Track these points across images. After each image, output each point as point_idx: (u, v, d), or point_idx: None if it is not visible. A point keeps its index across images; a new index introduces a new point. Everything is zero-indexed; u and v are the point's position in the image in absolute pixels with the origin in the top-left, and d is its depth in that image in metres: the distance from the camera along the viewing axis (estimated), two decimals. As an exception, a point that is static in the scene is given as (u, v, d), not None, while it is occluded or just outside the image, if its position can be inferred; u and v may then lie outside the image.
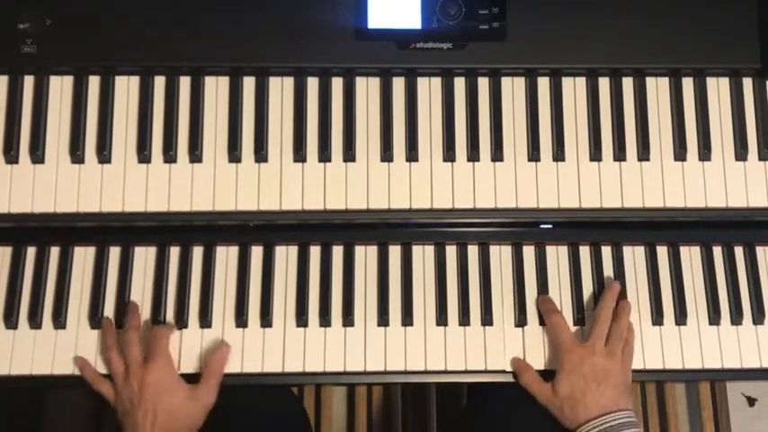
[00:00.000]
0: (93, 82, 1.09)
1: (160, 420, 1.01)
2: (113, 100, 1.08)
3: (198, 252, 1.14)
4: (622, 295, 1.14)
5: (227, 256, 1.14)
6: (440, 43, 1.08)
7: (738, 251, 1.18)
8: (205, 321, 1.11)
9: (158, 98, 1.09)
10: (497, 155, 1.08)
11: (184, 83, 1.09)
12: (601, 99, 1.11)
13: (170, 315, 1.11)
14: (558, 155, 1.09)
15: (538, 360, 1.11)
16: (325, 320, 1.11)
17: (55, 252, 1.14)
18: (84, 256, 1.14)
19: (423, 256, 1.15)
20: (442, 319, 1.12)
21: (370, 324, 1.12)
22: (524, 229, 1.16)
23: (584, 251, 1.17)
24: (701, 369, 1.13)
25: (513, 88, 1.11)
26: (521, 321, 1.12)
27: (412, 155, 1.08)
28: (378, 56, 1.08)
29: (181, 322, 1.11)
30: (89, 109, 1.08)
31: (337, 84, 1.10)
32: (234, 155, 1.07)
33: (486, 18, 1.08)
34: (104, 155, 1.06)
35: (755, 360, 1.13)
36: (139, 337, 1.06)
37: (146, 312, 1.12)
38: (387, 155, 1.08)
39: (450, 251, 1.16)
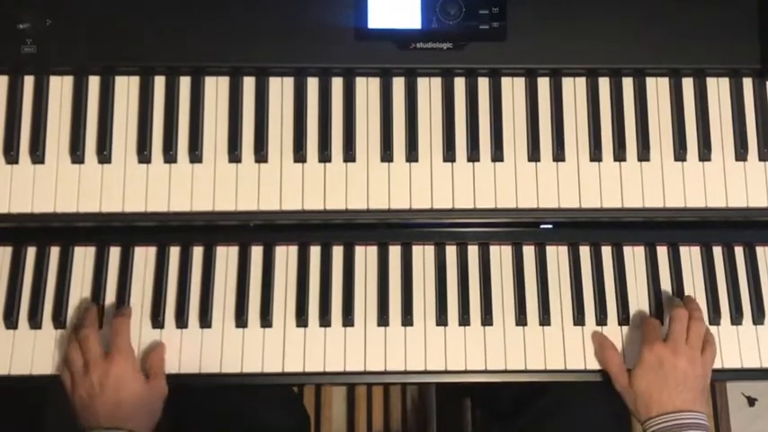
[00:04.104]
0: (93, 82, 1.08)
1: (123, 410, 1.01)
2: (113, 100, 1.08)
3: (198, 252, 1.14)
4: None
5: (227, 256, 1.14)
6: (440, 43, 1.08)
7: (738, 251, 1.18)
8: (205, 321, 1.11)
9: (158, 98, 1.09)
10: (497, 155, 1.08)
11: (184, 83, 1.09)
12: (601, 99, 1.11)
13: (170, 315, 1.11)
14: (558, 155, 1.09)
15: (538, 360, 1.11)
16: (325, 320, 1.11)
17: (55, 252, 1.14)
18: (84, 256, 1.14)
19: (423, 256, 1.15)
20: (442, 319, 1.12)
21: (370, 324, 1.12)
22: (524, 229, 1.16)
23: (584, 251, 1.17)
24: (702, 369, 1.13)
25: (513, 88, 1.11)
26: (521, 321, 1.12)
27: (412, 155, 1.08)
28: (378, 56, 1.08)
29: (181, 322, 1.11)
30: (89, 109, 1.08)
31: (337, 84, 1.10)
32: (234, 155, 1.07)
33: (486, 18, 1.08)
34: (104, 155, 1.06)
35: (755, 360, 1.13)
36: (97, 332, 1.06)
37: (146, 312, 1.12)
38: (387, 155, 1.07)
39: (450, 251, 1.16)
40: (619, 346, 1.11)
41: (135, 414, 1.02)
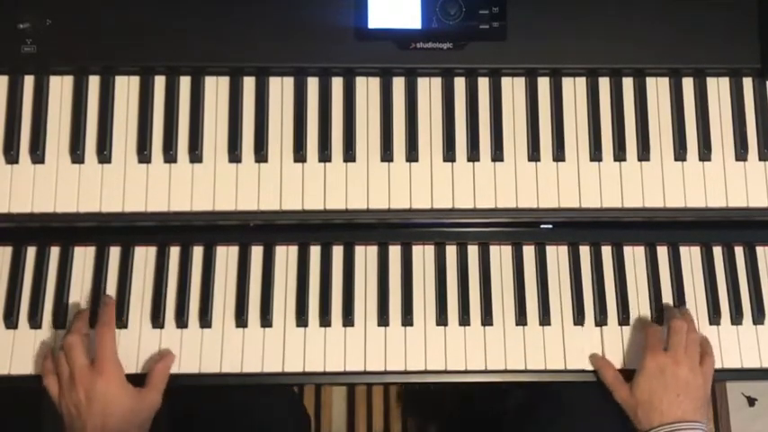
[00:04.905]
0: (93, 82, 1.09)
1: (111, 424, 1.00)
2: (113, 100, 1.08)
3: (198, 252, 1.14)
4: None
5: (227, 256, 1.14)
6: (440, 43, 1.08)
7: (738, 251, 1.18)
8: (205, 321, 1.11)
9: (158, 98, 1.09)
10: (497, 155, 1.08)
11: (184, 83, 1.09)
12: (601, 99, 1.11)
13: (170, 315, 1.11)
14: (558, 155, 1.09)
15: (538, 360, 1.11)
16: (325, 320, 1.11)
17: (55, 252, 1.14)
18: (84, 256, 1.14)
19: (423, 256, 1.15)
20: (442, 319, 1.12)
21: (370, 324, 1.12)
22: (524, 229, 1.16)
23: (584, 251, 1.17)
24: (702, 369, 1.13)
25: (513, 88, 1.11)
26: (521, 321, 1.12)
27: (412, 155, 1.08)
28: (378, 56, 1.08)
29: (181, 322, 1.11)
30: (89, 109, 1.08)
31: (337, 84, 1.10)
32: (234, 155, 1.07)
33: (486, 18, 1.08)
34: (104, 155, 1.06)
35: (755, 360, 1.13)
36: (83, 340, 1.04)
37: (146, 312, 1.12)
38: (387, 155, 1.08)
39: (451, 251, 1.16)
40: (619, 345, 1.12)
41: (123, 429, 1.01)
